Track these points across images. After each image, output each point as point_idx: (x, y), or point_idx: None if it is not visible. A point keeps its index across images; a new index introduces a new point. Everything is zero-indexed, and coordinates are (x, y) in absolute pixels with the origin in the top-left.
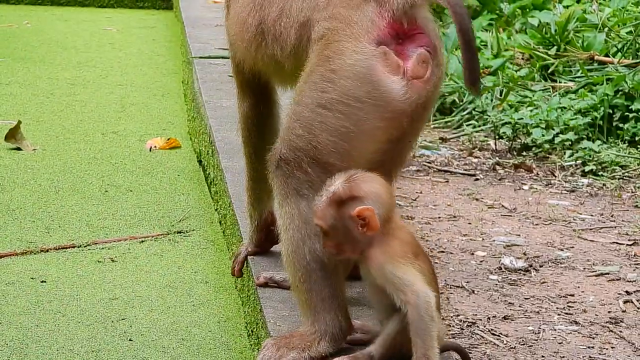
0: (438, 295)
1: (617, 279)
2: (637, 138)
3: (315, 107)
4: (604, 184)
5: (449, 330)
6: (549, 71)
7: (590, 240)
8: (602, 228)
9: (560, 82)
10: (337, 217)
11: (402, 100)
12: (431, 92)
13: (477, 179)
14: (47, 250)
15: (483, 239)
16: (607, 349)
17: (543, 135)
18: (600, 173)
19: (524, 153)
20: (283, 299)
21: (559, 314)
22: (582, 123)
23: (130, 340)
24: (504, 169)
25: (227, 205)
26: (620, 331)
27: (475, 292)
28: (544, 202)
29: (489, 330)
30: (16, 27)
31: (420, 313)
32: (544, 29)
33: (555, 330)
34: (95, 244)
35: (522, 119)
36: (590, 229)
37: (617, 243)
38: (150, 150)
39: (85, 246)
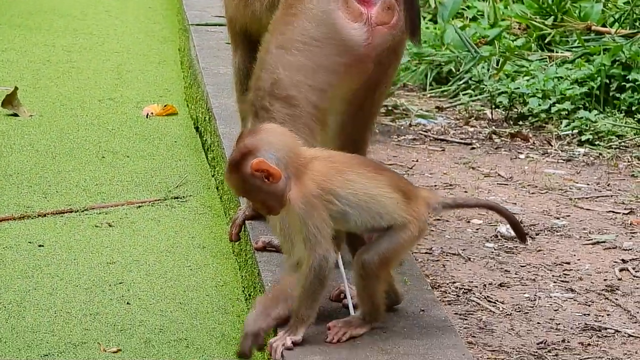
0: (401, 197)
1: (613, 247)
2: (633, 108)
3: (274, 49)
4: (600, 154)
5: (445, 297)
6: (545, 41)
7: (587, 209)
8: (598, 197)
9: (557, 52)
10: (242, 180)
11: (364, 46)
12: (399, 36)
13: (473, 148)
14: (45, 215)
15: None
16: (602, 316)
17: (539, 105)
18: (596, 142)
19: (521, 122)
20: (280, 263)
21: (554, 282)
22: (579, 93)
23: (127, 303)
24: (501, 138)
25: (224, 172)
26: (616, 299)
27: (472, 259)
28: (540, 171)
29: (485, 297)
30: None
31: (312, 276)
32: None
33: (551, 297)
34: (93, 208)
35: (518, 88)
36: (587, 198)
37: (613, 212)
38: (147, 117)
39: (82, 211)
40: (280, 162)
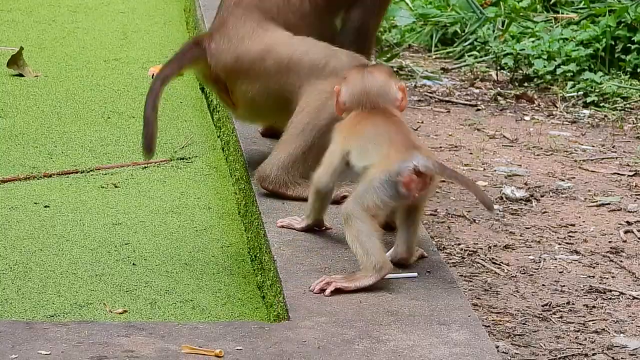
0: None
1: (618, 210)
2: (639, 70)
3: None
4: (605, 115)
5: (450, 259)
6: (551, 2)
7: (591, 171)
8: (603, 159)
9: (562, 13)
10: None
11: None
12: None
13: (478, 110)
14: (50, 176)
15: (484, 169)
16: (607, 278)
17: (545, 67)
18: (601, 104)
19: (526, 84)
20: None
21: (559, 244)
22: (584, 54)
23: (133, 264)
24: (506, 99)
25: (230, 132)
26: (621, 261)
27: (477, 221)
28: (545, 132)
29: (489, 259)
30: None
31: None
32: None
33: (555, 259)
34: (98, 169)
35: (523, 49)
36: (592, 160)
37: (618, 174)
38: (152, 78)
39: (88, 172)
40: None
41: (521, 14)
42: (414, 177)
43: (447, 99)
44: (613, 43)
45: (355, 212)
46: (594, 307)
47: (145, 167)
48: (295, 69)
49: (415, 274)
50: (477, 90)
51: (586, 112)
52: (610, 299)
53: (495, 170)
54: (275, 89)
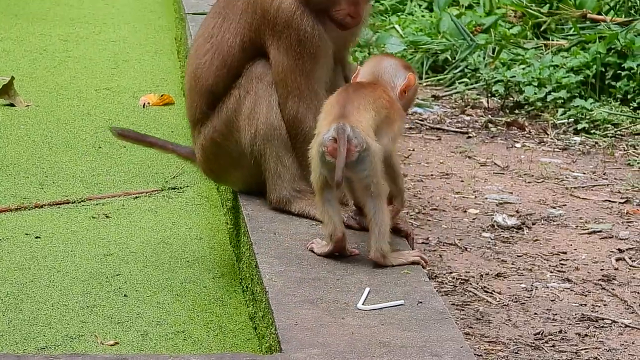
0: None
1: (610, 237)
2: (629, 96)
3: None
4: (596, 142)
5: (442, 288)
6: (541, 29)
7: (583, 198)
8: (594, 186)
9: (552, 40)
10: None
11: None
12: None
13: (469, 137)
14: (42, 206)
15: (475, 197)
16: (599, 306)
17: (535, 93)
18: (592, 131)
19: (517, 111)
20: (278, 255)
21: (551, 272)
22: (575, 81)
23: (125, 296)
24: (497, 126)
25: None
26: (613, 289)
27: (468, 249)
28: (536, 159)
29: (481, 288)
30: None
31: None
32: None
33: (547, 287)
34: (89, 199)
35: (514, 76)
36: (583, 187)
37: (609, 201)
38: (143, 107)
39: (79, 202)
40: None
41: (511, 41)
42: (335, 146)
43: (438, 126)
44: (603, 70)
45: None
46: (586, 335)
47: (136, 197)
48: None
49: (402, 302)
50: (468, 118)
51: (577, 139)
52: (602, 327)
53: (486, 198)
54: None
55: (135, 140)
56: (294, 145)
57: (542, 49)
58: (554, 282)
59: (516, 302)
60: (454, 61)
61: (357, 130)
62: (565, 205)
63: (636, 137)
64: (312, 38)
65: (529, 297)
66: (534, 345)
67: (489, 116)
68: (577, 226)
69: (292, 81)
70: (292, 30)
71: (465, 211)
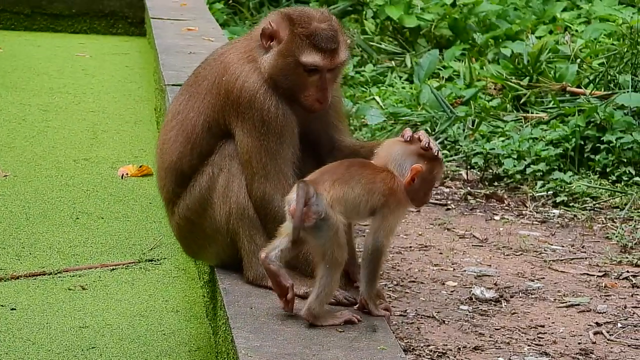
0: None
1: (588, 310)
2: (608, 169)
3: None
4: (575, 215)
5: None
6: (521, 102)
7: (561, 271)
8: (572, 259)
9: (532, 113)
10: None
11: None
12: None
13: (448, 209)
14: (18, 277)
15: (454, 269)
16: None
17: (514, 166)
18: (571, 204)
19: (496, 183)
20: (254, 329)
21: (529, 345)
22: (554, 154)
23: None
24: (476, 199)
25: None
26: None
27: (446, 322)
28: (515, 232)
29: None
30: None
31: None
32: (516, 60)
33: None
34: (66, 271)
35: (493, 149)
36: (561, 260)
37: (587, 274)
38: (122, 178)
39: (55, 274)
40: None
41: (491, 113)
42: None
43: None
44: (582, 143)
45: None
46: None
47: (113, 269)
48: None
49: None
50: (447, 190)
51: (556, 211)
52: None
53: (465, 271)
54: None
55: None
56: (264, 225)
57: (522, 122)
58: (531, 356)
59: None
60: (433, 133)
61: (320, 197)
62: (543, 278)
63: (614, 210)
64: (276, 118)
65: None
66: None
67: (468, 188)
68: (555, 299)
69: (258, 162)
70: (255, 110)
71: (443, 283)
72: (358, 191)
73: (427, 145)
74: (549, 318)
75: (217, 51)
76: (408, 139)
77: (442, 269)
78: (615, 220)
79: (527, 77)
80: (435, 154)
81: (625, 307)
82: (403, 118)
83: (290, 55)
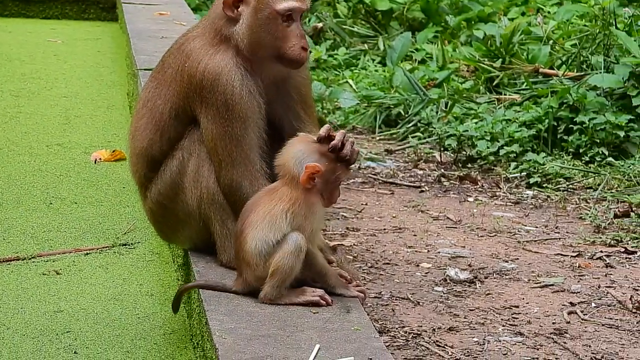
0: None
1: (562, 290)
2: (581, 150)
3: None
4: (548, 196)
5: (394, 342)
6: (494, 83)
7: (535, 252)
8: (546, 239)
9: (505, 95)
10: None
11: None
12: None
13: (422, 191)
14: None
15: (428, 251)
16: (551, 359)
17: (488, 148)
18: (544, 185)
19: (469, 165)
20: (229, 312)
21: (503, 325)
22: (527, 135)
23: (75, 353)
24: (449, 180)
25: None
26: (565, 342)
27: (421, 303)
28: (488, 214)
29: (434, 342)
30: None
31: None
32: (489, 42)
33: (500, 341)
34: (40, 256)
35: (467, 131)
36: (535, 241)
37: (561, 254)
38: (95, 163)
39: (29, 259)
40: None
41: (464, 95)
42: None
43: (391, 180)
44: (555, 124)
45: None
46: None
47: (87, 254)
48: None
49: (352, 359)
50: (420, 172)
51: (529, 192)
52: None
53: (439, 252)
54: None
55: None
56: (234, 211)
57: (495, 104)
58: (506, 336)
59: (468, 355)
60: (407, 115)
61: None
62: (517, 259)
63: (588, 190)
64: (240, 98)
65: (481, 351)
66: None
67: (442, 170)
68: (529, 280)
69: (223, 149)
70: (218, 93)
71: (417, 265)
72: (266, 224)
73: (337, 147)
74: (523, 298)
75: (179, 39)
76: (319, 140)
77: (416, 251)
78: (588, 200)
79: (500, 59)
80: (345, 157)
81: (599, 286)
82: (376, 101)
83: (266, 8)
